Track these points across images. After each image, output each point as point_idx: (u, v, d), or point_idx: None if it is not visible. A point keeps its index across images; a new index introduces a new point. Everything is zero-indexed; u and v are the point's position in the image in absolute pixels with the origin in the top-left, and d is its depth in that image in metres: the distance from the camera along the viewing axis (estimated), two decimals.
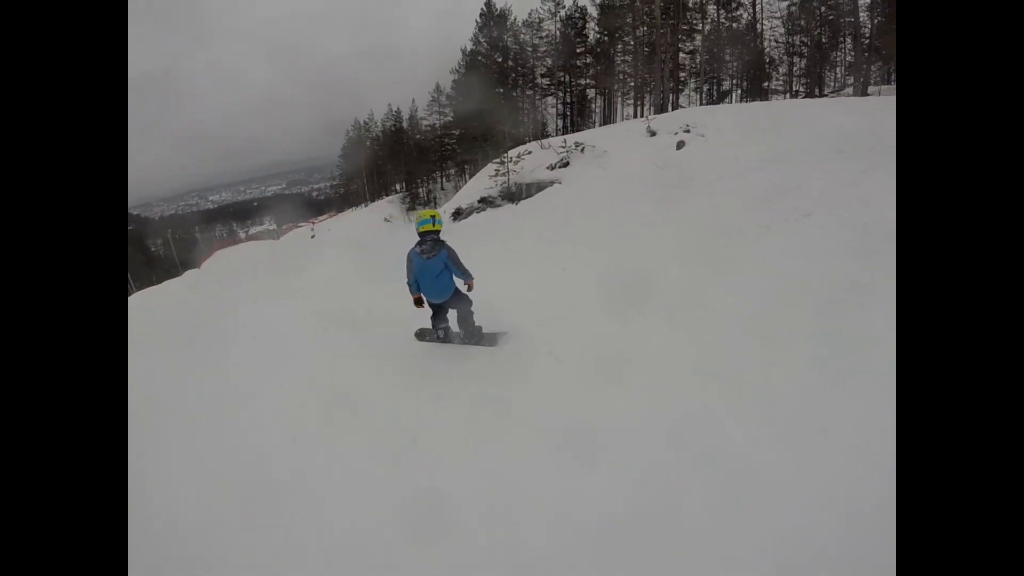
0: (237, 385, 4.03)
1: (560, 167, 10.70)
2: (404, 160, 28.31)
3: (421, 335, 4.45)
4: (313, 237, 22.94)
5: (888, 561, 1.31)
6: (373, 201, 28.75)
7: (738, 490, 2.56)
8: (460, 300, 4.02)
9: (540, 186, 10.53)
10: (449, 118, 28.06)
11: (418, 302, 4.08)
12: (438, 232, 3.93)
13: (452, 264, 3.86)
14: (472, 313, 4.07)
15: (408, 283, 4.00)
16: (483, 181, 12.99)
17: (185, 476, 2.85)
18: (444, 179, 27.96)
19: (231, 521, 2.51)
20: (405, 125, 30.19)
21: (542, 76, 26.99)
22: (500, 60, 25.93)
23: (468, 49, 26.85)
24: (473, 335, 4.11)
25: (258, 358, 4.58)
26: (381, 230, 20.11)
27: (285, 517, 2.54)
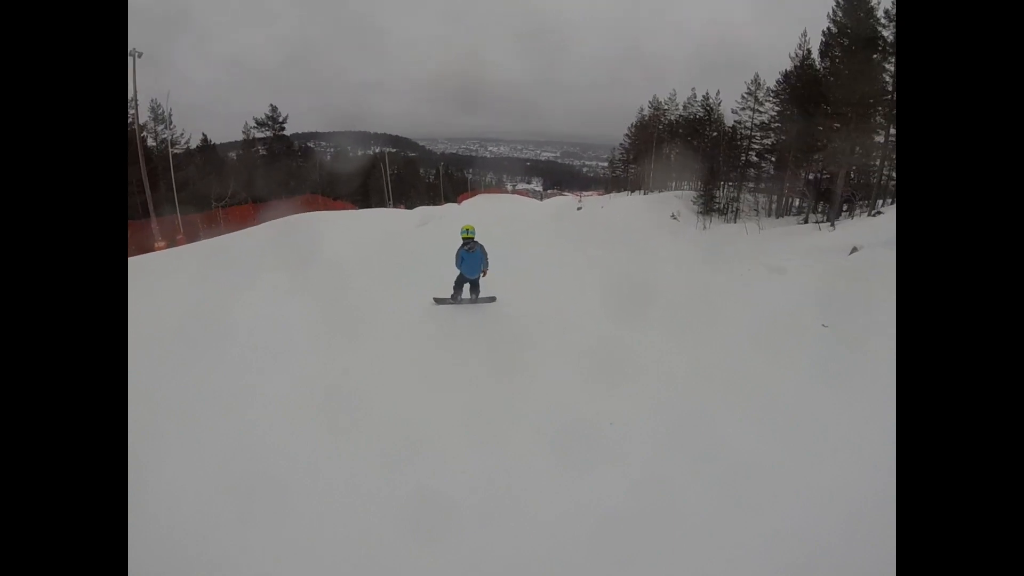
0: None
1: None
2: (704, 155, 22.12)
3: (440, 300, 6.61)
4: (579, 209, 22.01)
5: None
6: (653, 191, 24.32)
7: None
8: (478, 279, 6.67)
9: None
10: (766, 118, 20.22)
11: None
12: (473, 238, 6.53)
13: (483, 256, 6.52)
14: (479, 286, 6.71)
15: (456, 264, 6.51)
16: None
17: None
18: (743, 188, 21.02)
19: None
20: (712, 117, 22.99)
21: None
22: (858, 54, 18.26)
23: (817, 34, 17.41)
24: (478, 295, 6.74)
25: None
26: (666, 226, 16.09)
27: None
